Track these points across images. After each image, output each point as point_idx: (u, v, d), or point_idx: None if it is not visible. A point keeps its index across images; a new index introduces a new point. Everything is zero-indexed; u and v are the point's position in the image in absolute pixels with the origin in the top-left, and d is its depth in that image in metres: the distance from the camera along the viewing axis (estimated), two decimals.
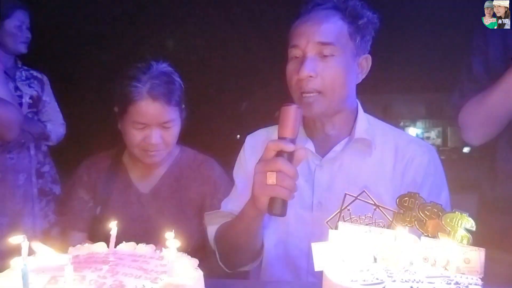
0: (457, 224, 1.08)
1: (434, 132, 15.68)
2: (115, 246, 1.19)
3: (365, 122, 1.67)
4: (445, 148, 13.95)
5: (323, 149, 1.67)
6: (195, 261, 1.11)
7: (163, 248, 1.15)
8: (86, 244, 1.18)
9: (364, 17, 1.60)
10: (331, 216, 1.17)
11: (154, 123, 1.83)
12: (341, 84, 1.57)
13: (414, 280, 0.95)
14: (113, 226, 1.20)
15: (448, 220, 1.09)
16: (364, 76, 1.67)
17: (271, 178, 1.33)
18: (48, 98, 3.16)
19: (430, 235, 1.10)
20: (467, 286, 0.94)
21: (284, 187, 1.33)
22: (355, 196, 1.17)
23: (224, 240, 1.67)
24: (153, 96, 1.80)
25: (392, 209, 1.17)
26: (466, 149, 10.59)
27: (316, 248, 1.07)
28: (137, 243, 1.19)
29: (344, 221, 1.16)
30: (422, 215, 1.13)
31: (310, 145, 1.66)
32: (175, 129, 1.90)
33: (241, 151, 1.82)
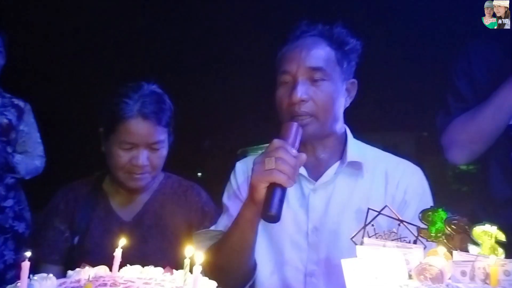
0: (489, 237, 1.04)
1: None
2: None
3: (355, 146, 1.69)
4: None
5: (315, 174, 1.66)
6: (213, 283, 1.02)
7: (174, 271, 1.06)
8: (87, 267, 1.06)
9: (349, 43, 1.65)
10: (356, 233, 1.11)
11: (142, 143, 1.74)
12: (331, 107, 1.60)
13: None
14: (118, 247, 1.08)
15: (479, 233, 1.05)
16: (351, 100, 1.70)
17: (270, 163, 1.34)
18: (27, 128, 2.94)
19: (458, 249, 1.06)
20: None
21: (283, 172, 1.33)
22: (378, 211, 1.12)
23: (215, 259, 1.58)
24: (143, 115, 1.72)
25: (415, 225, 1.12)
26: None
27: (347, 265, 1.00)
28: None
29: (369, 237, 1.10)
30: (449, 230, 1.09)
31: (302, 170, 1.64)
32: (163, 152, 1.81)
33: (232, 177, 1.79)
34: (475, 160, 1.85)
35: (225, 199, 1.75)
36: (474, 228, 1.06)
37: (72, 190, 1.92)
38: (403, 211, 1.50)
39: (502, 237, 1.05)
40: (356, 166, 1.64)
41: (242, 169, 1.76)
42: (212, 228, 1.69)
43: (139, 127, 1.73)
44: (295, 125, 1.44)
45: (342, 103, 1.65)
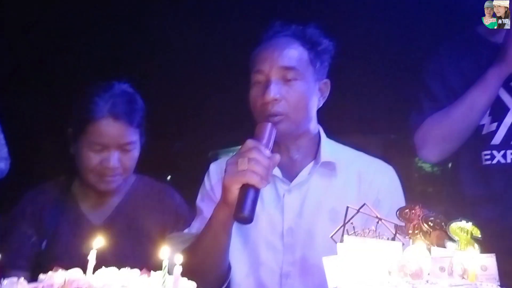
0: (465, 233, 1.06)
1: None
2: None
3: (328, 145, 1.70)
4: None
5: (289, 174, 1.66)
6: (193, 284, 1.00)
7: (151, 272, 1.03)
8: (60, 271, 1.02)
9: (322, 43, 1.66)
10: (335, 231, 1.11)
11: (113, 144, 1.70)
12: (304, 106, 1.60)
13: None
14: (93, 249, 1.04)
15: (455, 229, 1.07)
16: (324, 100, 1.71)
17: (243, 164, 1.33)
18: None
19: (435, 246, 1.07)
20: None
21: (256, 173, 1.32)
22: (357, 209, 1.12)
23: (189, 262, 1.55)
24: (114, 115, 1.68)
25: (394, 222, 1.13)
26: None
27: (328, 263, 1.00)
28: None
29: (349, 235, 1.09)
30: (427, 226, 1.10)
31: (276, 171, 1.63)
32: (134, 153, 1.77)
33: (206, 179, 1.76)
34: (447, 158, 1.89)
35: (198, 201, 1.72)
36: (450, 225, 1.08)
37: (39, 193, 1.85)
38: (376, 210, 1.51)
39: (477, 233, 1.07)
40: (330, 166, 1.64)
41: (216, 171, 1.73)
42: (186, 231, 1.66)
43: (110, 127, 1.69)
44: (269, 125, 1.44)
45: (315, 103, 1.66)
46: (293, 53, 1.60)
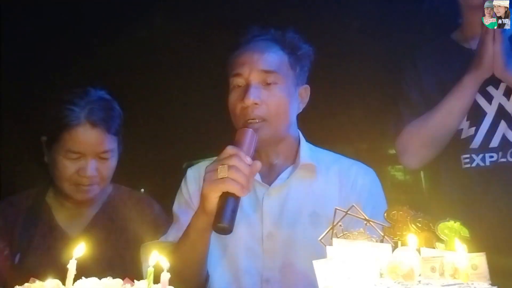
0: (453, 232, 1.06)
1: None
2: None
3: (308, 149, 1.69)
4: None
5: (268, 179, 1.64)
6: None
7: (135, 281, 0.99)
8: (37, 282, 0.96)
9: (302, 48, 1.65)
10: (324, 233, 1.08)
11: (90, 152, 1.65)
12: (284, 111, 1.59)
13: None
14: (72, 258, 0.99)
15: (444, 230, 1.06)
16: (304, 106, 1.69)
17: (223, 171, 1.28)
18: None
19: (424, 246, 1.06)
20: None
21: (236, 181, 1.28)
22: (345, 211, 1.10)
23: None
24: (91, 122, 1.63)
25: (382, 223, 1.12)
26: None
27: (319, 267, 0.97)
28: None
29: (338, 237, 1.07)
30: (415, 227, 1.09)
31: (255, 175, 1.60)
32: (112, 162, 1.73)
33: (183, 184, 1.72)
34: (429, 163, 1.90)
35: (175, 208, 1.68)
36: (439, 225, 1.07)
37: (11, 204, 1.78)
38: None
39: (465, 232, 1.07)
40: (309, 168, 1.62)
41: (193, 176, 1.69)
42: (162, 239, 1.61)
43: (87, 135, 1.64)
44: (250, 131, 1.41)
45: (295, 107, 1.64)
46: (274, 57, 1.59)
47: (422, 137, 1.85)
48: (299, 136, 1.70)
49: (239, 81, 1.57)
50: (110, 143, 1.69)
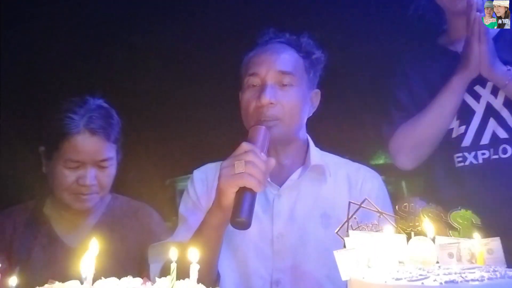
0: (466, 220, 1.09)
1: None
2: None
3: (317, 151, 1.71)
4: None
5: (278, 179, 1.64)
6: None
7: (149, 282, 0.98)
8: (56, 283, 0.95)
9: (316, 53, 1.68)
10: (340, 226, 1.10)
11: (90, 161, 1.63)
12: (298, 113, 1.61)
13: (455, 272, 0.91)
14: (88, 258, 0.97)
15: (456, 218, 1.09)
16: (314, 110, 1.72)
17: (240, 167, 1.29)
18: None
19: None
20: (503, 275, 0.91)
21: (253, 176, 1.29)
22: (359, 204, 1.12)
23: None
24: (91, 130, 1.62)
25: (394, 216, 1.14)
26: None
27: (339, 257, 0.99)
28: None
29: (353, 229, 1.09)
30: (427, 218, 1.12)
31: None
32: (111, 170, 1.71)
33: (189, 186, 1.71)
34: (422, 163, 1.93)
35: (182, 210, 1.66)
36: (452, 214, 1.10)
37: (8, 216, 1.74)
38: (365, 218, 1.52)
39: (477, 220, 1.10)
40: (319, 170, 1.64)
41: (200, 178, 1.69)
42: (170, 239, 1.59)
43: (86, 143, 1.63)
44: (263, 129, 1.43)
45: (307, 110, 1.67)
46: (290, 58, 1.61)
47: (414, 138, 1.89)
48: (307, 139, 1.72)
49: (255, 80, 1.58)
50: (109, 151, 1.68)
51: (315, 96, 1.71)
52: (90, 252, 1.00)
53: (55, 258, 1.67)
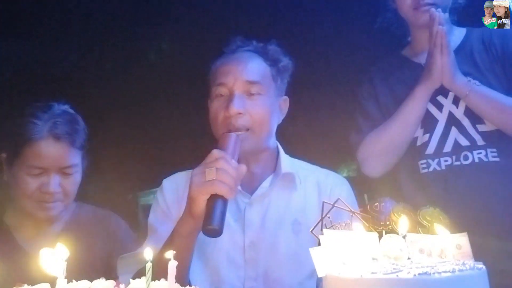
0: (434, 218, 1.12)
1: None
2: None
3: (287, 159, 1.72)
4: None
5: (249, 187, 1.65)
6: None
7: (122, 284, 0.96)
8: (25, 286, 0.91)
9: (283, 61, 1.70)
10: (315, 225, 1.12)
11: (53, 167, 1.59)
12: (267, 121, 1.61)
13: (427, 265, 0.93)
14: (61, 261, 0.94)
15: (425, 216, 1.13)
16: (283, 117, 1.73)
17: (211, 174, 1.29)
18: None
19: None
20: (472, 267, 0.94)
21: (224, 182, 1.28)
22: (332, 204, 1.14)
23: None
24: (55, 135, 1.58)
25: (366, 215, 1.16)
26: None
27: (315, 254, 0.99)
28: None
29: (327, 228, 1.10)
30: (397, 217, 1.14)
31: None
32: (76, 177, 1.67)
33: (159, 196, 1.69)
34: (389, 171, 1.98)
35: (151, 220, 1.64)
36: (421, 212, 1.14)
37: None
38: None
39: (444, 217, 1.14)
40: (290, 178, 1.65)
41: (171, 187, 1.67)
42: (139, 250, 1.56)
43: (50, 149, 1.58)
44: (233, 136, 1.43)
45: (276, 118, 1.68)
46: (257, 68, 1.62)
47: (381, 146, 1.94)
48: (277, 146, 1.73)
49: (222, 90, 1.58)
50: (74, 158, 1.63)
51: (284, 103, 1.72)
52: (57, 255, 0.96)
53: (16, 268, 1.60)
